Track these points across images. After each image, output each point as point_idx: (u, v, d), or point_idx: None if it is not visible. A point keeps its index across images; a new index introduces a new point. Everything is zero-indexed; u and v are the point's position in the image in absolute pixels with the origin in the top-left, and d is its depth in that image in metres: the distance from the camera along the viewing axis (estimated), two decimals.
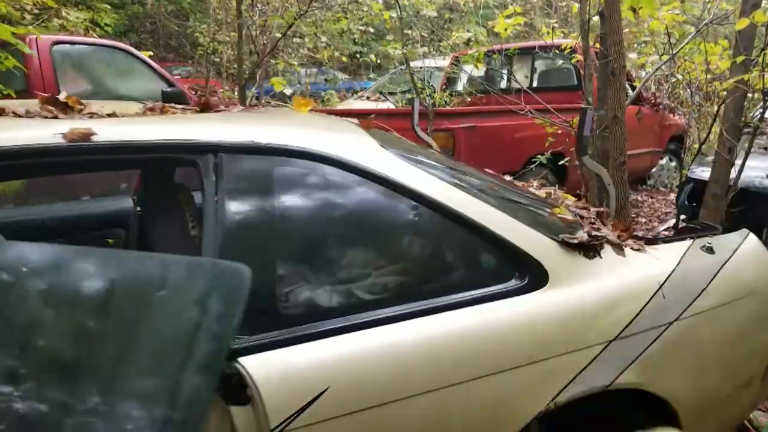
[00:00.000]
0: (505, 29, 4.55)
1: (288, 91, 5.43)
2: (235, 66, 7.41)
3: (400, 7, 4.82)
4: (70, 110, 1.66)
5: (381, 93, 7.30)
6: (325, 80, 10.75)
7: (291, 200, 1.45)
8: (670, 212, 5.81)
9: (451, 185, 1.58)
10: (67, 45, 4.54)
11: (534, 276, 1.57)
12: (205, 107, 1.95)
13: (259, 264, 1.34)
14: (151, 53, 6.55)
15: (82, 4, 8.71)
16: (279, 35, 5.62)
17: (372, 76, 11.55)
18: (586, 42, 3.35)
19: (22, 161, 1.20)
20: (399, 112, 4.56)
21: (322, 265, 1.43)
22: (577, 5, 4.09)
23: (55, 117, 1.52)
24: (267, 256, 1.36)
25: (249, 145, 1.41)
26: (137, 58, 5.02)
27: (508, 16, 4.52)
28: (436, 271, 1.56)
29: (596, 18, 3.38)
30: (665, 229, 5.17)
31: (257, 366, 1.24)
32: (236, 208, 1.35)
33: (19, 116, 1.50)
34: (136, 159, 1.33)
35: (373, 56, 10.85)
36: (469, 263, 1.60)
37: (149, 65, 5.09)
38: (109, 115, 1.51)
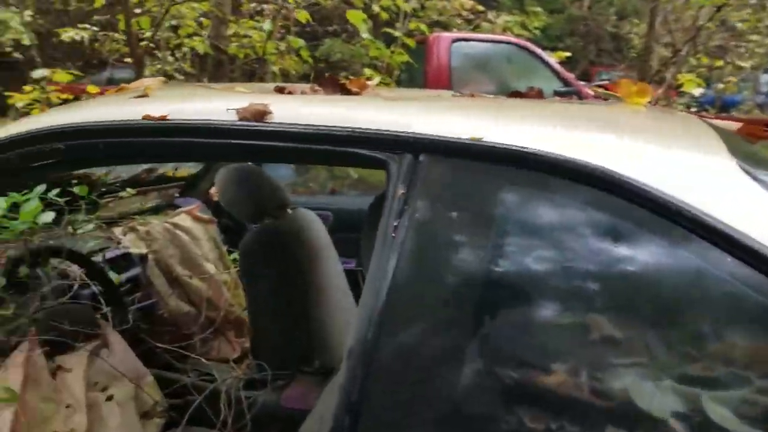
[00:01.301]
0: None
1: (696, 92, 4.26)
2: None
3: None
4: (347, 94, 1.42)
5: None
6: None
7: (522, 240, 0.88)
8: None
9: None
10: (467, 42, 4.56)
11: None
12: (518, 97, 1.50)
13: (443, 333, 0.85)
14: (569, 55, 6.21)
15: (517, 9, 8.99)
16: (709, 24, 4.46)
17: None
18: None
19: (179, 138, 0.95)
20: None
21: (555, 349, 0.85)
22: None
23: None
24: (457, 323, 0.85)
25: (469, 145, 0.87)
26: (538, 56, 4.72)
27: None
28: None
29: None
30: None
31: None
32: (426, 240, 0.85)
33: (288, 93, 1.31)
34: (303, 150, 0.95)
35: None
36: None
37: (549, 65, 4.74)
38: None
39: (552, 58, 4.99)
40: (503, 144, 0.86)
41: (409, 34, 4.40)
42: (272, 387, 1.76)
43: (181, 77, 4.80)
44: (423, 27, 4.21)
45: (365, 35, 3.21)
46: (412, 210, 0.85)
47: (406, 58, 3.49)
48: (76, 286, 1.52)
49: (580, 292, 0.89)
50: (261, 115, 0.97)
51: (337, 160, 0.97)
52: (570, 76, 4.97)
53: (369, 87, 1.34)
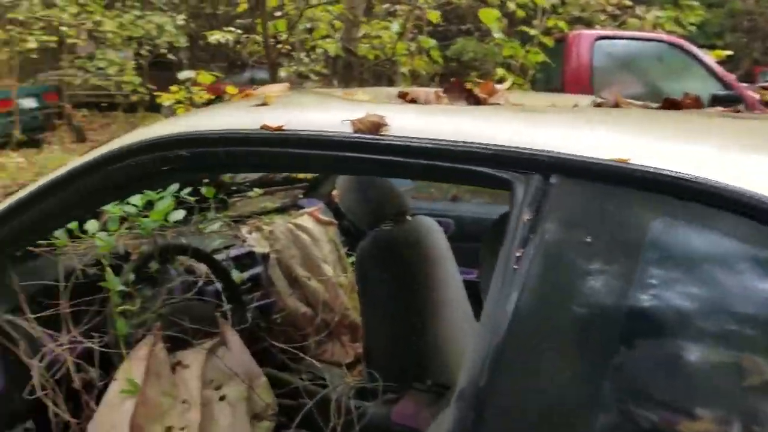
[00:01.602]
0: None
1: None
2: None
3: None
4: (474, 99, 1.33)
5: None
6: None
7: (673, 279, 0.73)
8: None
9: None
10: (611, 40, 4.22)
11: None
12: (671, 105, 1.31)
13: (571, 376, 0.74)
14: (730, 54, 5.59)
15: (670, 3, 8.25)
16: None
17: None
18: None
19: (294, 150, 0.92)
20: None
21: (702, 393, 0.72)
22: None
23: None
24: (587, 365, 0.74)
25: (612, 168, 0.74)
26: (693, 55, 4.26)
27: None
28: None
29: None
30: None
31: None
32: (554, 274, 0.75)
33: (410, 101, 1.25)
34: (418, 166, 0.86)
35: None
36: None
37: (705, 65, 4.26)
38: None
39: (709, 57, 4.49)
40: (654, 168, 0.73)
41: (547, 32, 4.16)
42: (383, 399, 1.72)
43: (316, 78, 4.95)
44: (562, 24, 3.96)
45: (497, 35, 3.07)
46: (539, 239, 0.75)
47: (542, 57, 3.30)
48: (200, 283, 1.57)
49: (737, 333, 0.74)
50: (376, 127, 0.91)
51: (456, 178, 0.88)
52: (730, 77, 4.43)
53: (498, 92, 1.23)
